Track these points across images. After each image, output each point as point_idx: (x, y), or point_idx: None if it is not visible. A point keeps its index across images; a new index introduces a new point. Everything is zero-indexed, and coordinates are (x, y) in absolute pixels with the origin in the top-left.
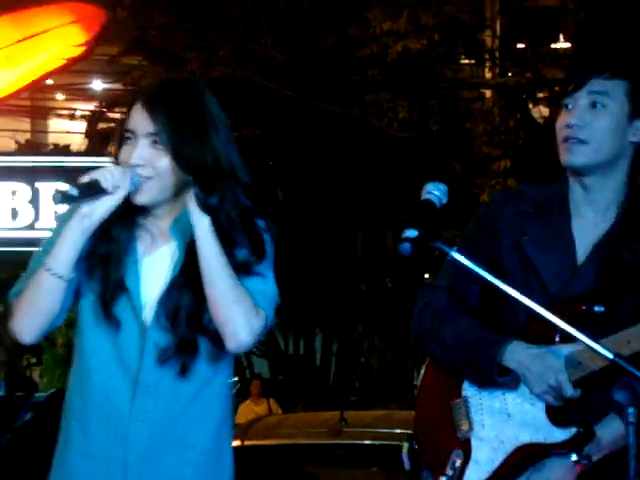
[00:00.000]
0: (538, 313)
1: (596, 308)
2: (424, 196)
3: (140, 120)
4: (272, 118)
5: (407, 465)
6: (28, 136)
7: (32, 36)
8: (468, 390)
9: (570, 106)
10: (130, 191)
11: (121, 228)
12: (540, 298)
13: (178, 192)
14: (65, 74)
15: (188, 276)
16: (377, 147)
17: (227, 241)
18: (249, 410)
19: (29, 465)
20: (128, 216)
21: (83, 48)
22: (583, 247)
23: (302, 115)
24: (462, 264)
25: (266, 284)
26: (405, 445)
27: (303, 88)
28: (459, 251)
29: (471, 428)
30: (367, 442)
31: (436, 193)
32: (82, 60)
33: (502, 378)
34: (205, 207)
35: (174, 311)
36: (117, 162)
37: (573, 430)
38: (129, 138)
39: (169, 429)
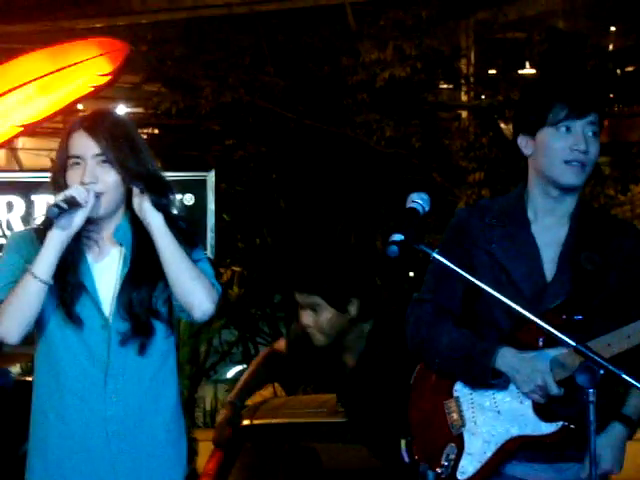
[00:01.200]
0: (517, 311)
1: (575, 317)
2: (409, 204)
3: (85, 145)
4: (275, 137)
5: (406, 459)
6: None
7: (65, 67)
8: (460, 391)
9: (571, 130)
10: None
11: (71, 242)
12: (516, 300)
13: (120, 204)
14: (93, 100)
15: (138, 271)
16: (367, 162)
17: (174, 234)
18: (256, 393)
19: None
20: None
21: (109, 77)
22: (546, 252)
23: (301, 134)
24: (443, 266)
25: (209, 267)
26: (403, 441)
27: (301, 111)
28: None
29: (463, 424)
30: None
31: (419, 202)
32: (108, 87)
33: (495, 380)
34: (158, 206)
35: (130, 301)
36: (66, 186)
37: (559, 424)
38: (77, 163)
39: (141, 405)
